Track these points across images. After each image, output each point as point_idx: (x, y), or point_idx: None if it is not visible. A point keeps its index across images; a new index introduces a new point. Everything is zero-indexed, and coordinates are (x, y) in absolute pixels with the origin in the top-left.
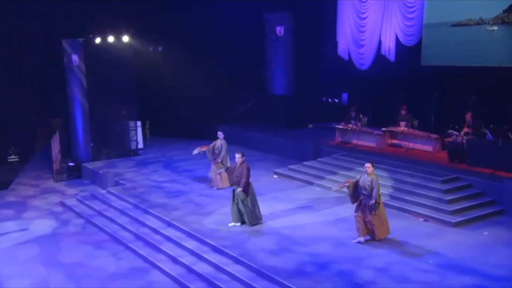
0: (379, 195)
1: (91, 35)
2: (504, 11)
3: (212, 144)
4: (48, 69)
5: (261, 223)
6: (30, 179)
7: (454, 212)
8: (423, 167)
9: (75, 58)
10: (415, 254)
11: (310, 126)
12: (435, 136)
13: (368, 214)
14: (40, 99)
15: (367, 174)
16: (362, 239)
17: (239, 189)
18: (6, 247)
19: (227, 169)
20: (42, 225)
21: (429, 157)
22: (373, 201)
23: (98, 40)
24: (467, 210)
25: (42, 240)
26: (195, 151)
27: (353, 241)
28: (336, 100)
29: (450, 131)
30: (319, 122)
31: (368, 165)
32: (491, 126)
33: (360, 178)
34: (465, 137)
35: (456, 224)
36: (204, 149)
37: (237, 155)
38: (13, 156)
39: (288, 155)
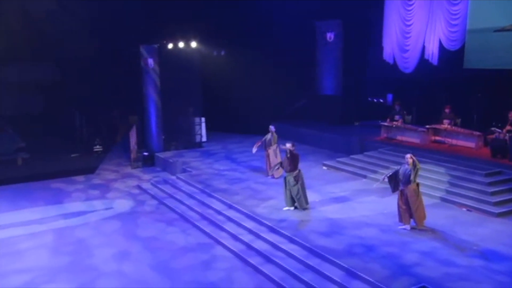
0: (416, 182)
1: (164, 41)
2: None
3: (264, 138)
4: (127, 72)
5: (308, 208)
6: (112, 165)
7: (497, 204)
8: (465, 162)
9: (150, 61)
10: (459, 241)
11: (356, 123)
12: (478, 133)
13: (408, 200)
14: (120, 98)
15: (407, 164)
16: (407, 226)
17: (290, 176)
18: (94, 221)
19: (281, 164)
20: (123, 204)
21: (471, 153)
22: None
23: (170, 46)
24: (510, 202)
25: (122, 217)
26: (254, 150)
27: (399, 227)
28: (381, 100)
29: (493, 128)
30: (364, 121)
31: (408, 155)
32: None
33: (400, 168)
34: (508, 134)
35: (499, 215)
36: (259, 144)
37: (288, 145)
38: (98, 147)
39: (336, 150)
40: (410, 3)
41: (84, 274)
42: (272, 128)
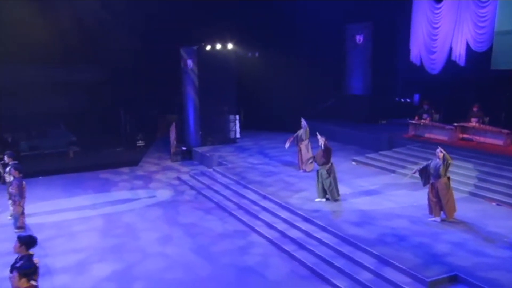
0: (447, 176)
1: (203, 44)
2: None
3: (296, 133)
4: (167, 73)
5: (339, 199)
6: (153, 159)
7: None
8: (494, 158)
9: (189, 62)
10: (490, 233)
11: (383, 122)
12: (506, 131)
13: (438, 193)
14: (161, 97)
15: (438, 158)
16: (438, 219)
17: (323, 169)
18: (139, 208)
19: (314, 158)
20: (164, 194)
21: (499, 150)
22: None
23: (208, 48)
24: None
25: (164, 205)
26: (287, 145)
27: (429, 219)
28: (408, 100)
29: None
30: (391, 119)
31: (439, 150)
32: None
33: (431, 162)
34: None
35: None
36: (291, 139)
37: (321, 139)
38: (140, 142)
39: (364, 146)
40: (438, 6)
41: (132, 254)
42: (304, 122)
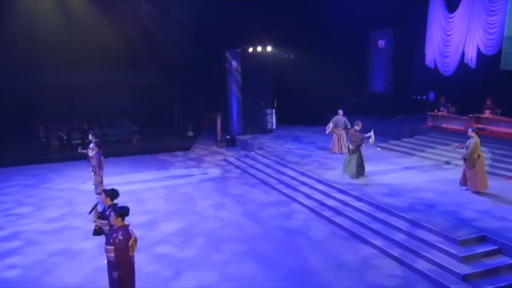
0: (474, 154)
1: (245, 47)
2: None
3: (335, 118)
4: (213, 73)
5: (365, 175)
6: (202, 145)
7: None
8: (508, 143)
9: (234, 63)
10: (510, 203)
11: (398, 117)
12: None
13: (467, 168)
14: (208, 94)
15: (470, 136)
16: (462, 187)
17: (354, 147)
18: (194, 182)
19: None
20: (214, 172)
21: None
22: (463, 155)
23: (250, 50)
24: None
25: (215, 180)
26: (328, 131)
27: (463, 188)
28: (424, 97)
29: None
30: (410, 114)
31: (469, 129)
32: None
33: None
34: None
35: None
36: (330, 125)
37: (357, 124)
38: (190, 132)
39: (388, 135)
40: (451, 15)
41: (192, 216)
42: (340, 112)
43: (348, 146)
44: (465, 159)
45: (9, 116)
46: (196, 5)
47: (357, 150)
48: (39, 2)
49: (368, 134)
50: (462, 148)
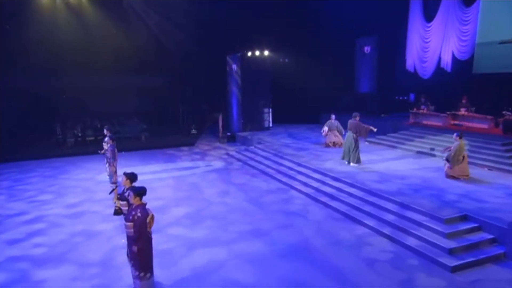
0: (458, 156)
1: (245, 51)
2: None
3: (328, 122)
4: (215, 76)
5: (361, 164)
6: (205, 141)
7: None
8: (482, 137)
9: (234, 66)
10: (488, 187)
11: (382, 115)
12: (490, 117)
13: (449, 167)
14: (209, 95)
15: (454, 140)
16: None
17: (352, 134)
18: (200, 173)
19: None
20: (218, 164)
21: (485, 131)
22: (444, 158)
23: (249, 54)
24: None
25: (219, 171)
26: (323, 133)
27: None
28: (405, 98)
29: (504, 112)
30: (392, 113)
31: (454, 134)
32: None
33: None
34: None
35: None
36: (326, 128)
37: (356, 116)
38: (193, 130)
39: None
40: (428, 25)
41: (199, 202)
42: (333, 116)
43: (352, 135)
44: (448, 160)
45: (29, 116)
46: (199, 14)
47: (357, 139)
48: (57, 14)
49: (373, 128)
50: (448, 150)
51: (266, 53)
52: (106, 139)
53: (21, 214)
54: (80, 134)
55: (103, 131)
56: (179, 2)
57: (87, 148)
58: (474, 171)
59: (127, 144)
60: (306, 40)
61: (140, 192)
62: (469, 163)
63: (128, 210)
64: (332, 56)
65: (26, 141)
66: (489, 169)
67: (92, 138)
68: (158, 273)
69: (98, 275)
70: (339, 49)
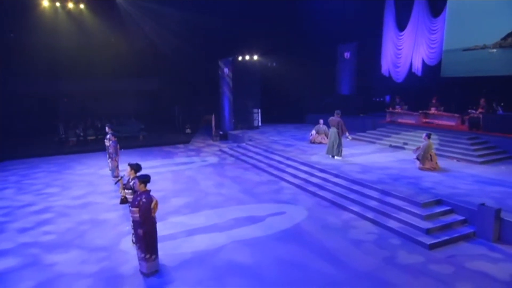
0: (427, 154)
1: (236, 56)
2: (501, 39)
3: (317, 127)
4: (208, 78)
5: (342, 157)
6: (199, 139)
7: (479, 156)
8: (450, 132)
9: (226, 70)
10: (458, 176)
11: (361, 115)
12: (457, 115)
13: (420, 164)
14: (203, 97)
15: (424, 140)
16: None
17: (336, 130)
18: (196, 167)
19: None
20: (212, 159)
21: (453, 128)
22: (414, 156)
23: (240, 58)
24: (488, 155)
25: (214, 165)
26: (311, 137)
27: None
28: (382, 99)
29: (469, 110)
30: (369, 113)
31: (423, 135)
32: (502, 104)
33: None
34: (480, 114)
35: (481, 163)
36: (314, 132)
37: (337, 114)
38: (188, 130)
39: (355, 129)
40: (401, 34)
41: (197, 193)
42: (321, 121)
43: (335, 130)
44: (418, 159)
45: (34, 117)
46: (193, 22)
47: (340, 135)
48: (58, 22)
49: (349, 136)
50: (419, 149)
51: (255, 57)
52: (108, 136)
53: (30, 205)
54: (81, 134)
55: (103, 130)
56: (174, 10)
57: (89, 147)
58: (444, 162)
59: (126, 143)
60: (292, 46)
61: (145, 179)
62: (441, 155)
63: (133, 197)
64: (315, 61)
65: (31, 140)
66: (457, 161)
67: (93, 137)
68: (162, 255)
69: (106, 258)
70: (322, 55)
